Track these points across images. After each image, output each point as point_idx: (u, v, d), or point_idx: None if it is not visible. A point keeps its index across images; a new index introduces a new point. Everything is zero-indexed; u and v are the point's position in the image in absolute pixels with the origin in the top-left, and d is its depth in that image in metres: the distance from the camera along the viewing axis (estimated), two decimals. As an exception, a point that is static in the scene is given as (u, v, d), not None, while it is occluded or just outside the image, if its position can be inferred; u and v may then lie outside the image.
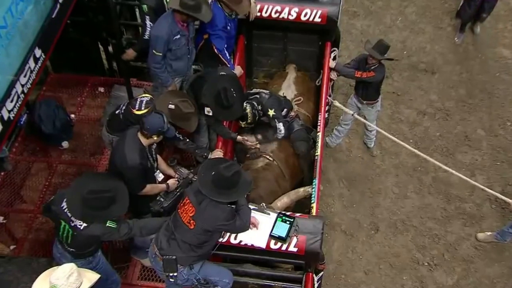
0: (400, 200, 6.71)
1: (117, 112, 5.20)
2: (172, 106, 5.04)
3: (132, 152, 4.51)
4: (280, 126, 5.51)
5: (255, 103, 5.42)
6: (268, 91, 5.66)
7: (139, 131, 4.57)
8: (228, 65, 5.64)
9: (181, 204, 4.14)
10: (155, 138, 4.58)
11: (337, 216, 6.59)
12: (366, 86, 6.25)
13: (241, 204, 4.18)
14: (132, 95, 6.34)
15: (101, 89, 6.97)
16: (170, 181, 4.93)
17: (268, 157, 5.60)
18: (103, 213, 4.01)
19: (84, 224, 4.05)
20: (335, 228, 6.49)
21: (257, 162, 5.59)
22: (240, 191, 4.06)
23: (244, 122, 5.43)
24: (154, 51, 5.36)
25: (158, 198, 4.89)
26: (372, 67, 6.03)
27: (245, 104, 5.36)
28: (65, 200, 4.10)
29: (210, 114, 5.26)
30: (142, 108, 4.91)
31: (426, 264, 6.26)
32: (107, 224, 4.06)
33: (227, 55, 5.67)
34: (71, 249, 4.26)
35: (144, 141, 4.58)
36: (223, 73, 5.37)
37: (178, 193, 4.88)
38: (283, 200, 5.16)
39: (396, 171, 6.95)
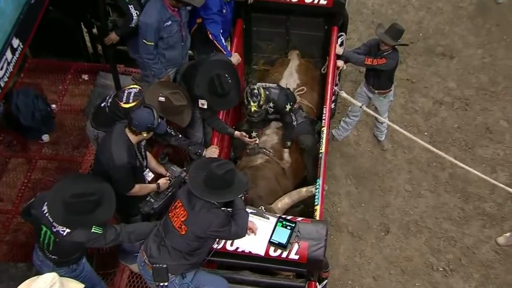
0: (413, 199, 6.80)
1: (102, 104, 5.26)
2: (162, 99, 5.10)
3: (119, 150, 4.58)
4: (295, 118, 5.67)
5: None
6: (275, 85, 5.74)
7: (127, 127, 4.64)
8: (224, 53, 5.70)
9: (172, 208, 4.23)
10: (145, 134, 4.65)
11: (344, 216, 6.68)
12: (378, 74, 6.31)
13: (237, 207, 4.26)
14: (119, 84, 6.41)
15: (85, 77, 7.04)
16: (161, 181, 5.01)
17: (268, 153, 5.69)
18: (88, 217, 4.08)
19: (67, 230, 4.14)
20: (341, 229, 6.59)
21: (256, 159, 5.68)
22: (235, 191, 4.16)
23: (255, 104, 5.45)
24: (144, 41, 5.42)
25: (148, 199, 4.97)
26: (385, 53, 6.09)
27: (256, 87, 5.45)
28: (45, 203, 4.18)
29: (205, 107, 5.33)
30: (130, 101, 4.98)
31: (441, 269, 6.34)
32: (92, 230, 4.14)
33: (223, 41, 5.73)
34: (53, 257, 4.35)
35: (133, 138, 4.66)
36: (215, 58, 5.44)
37: (170, 193, 4.98)
38: (284, 201, 5.25)
39: (409, 167, 7.03)
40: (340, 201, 6.79)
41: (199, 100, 5.31)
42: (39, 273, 4.19)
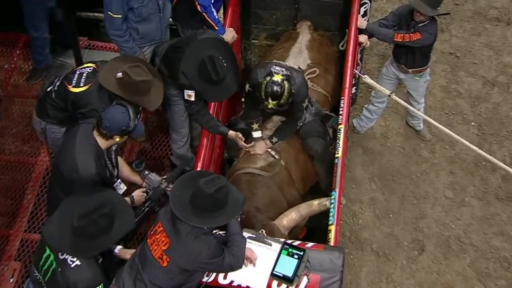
0: (456, 209, 6.93)
1: (49, 89, 5.42)
2: (119, 75, 5.14)
3: (86, 158, 4.72)
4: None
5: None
6: (299, 68, 5.75)
7: (95, 129, 4.77)
8: (216, 28, 5.84)
9: (151, 233, 4.38)
10: (117, 139, 4.79)
11: (367, 231, 6.82)
12: (411, 50, 6.42)
13: (232, 231, 4.42)
14: (81, 62, 6.52)
15: (38, 52, 7.16)
16: (136, 193, 5.16)
17: (272, 153, 5.81)
18: (107, 237, 4.30)
19: (77, 262, 4.30)
20: (364, 247, 6.73)
21: (256, 161, 5.81)
22: (229, 213, 4.28)
23: (274, 102, 5.39)
24: (110, 13, 5.56)
25: None
26: (420, 26, 6.20)
27: (279, 77, 5.37)
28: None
29: (192, 99, 5.47)
30: (81, 84, 5.14)
31: (491, 298, 6.51)
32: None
33: (215, 14, 5.87)
34: None
35: (102, 143, 4.79)
36: (204, 37, 5.55)
37: (147, 209, 5.13)
38: (291, 216, 5.34)
39: (450, 167, 7.16)
40: (362, 210, 6.93)
41: (185, 90, 5.45)
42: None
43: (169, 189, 5.13)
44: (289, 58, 6.31)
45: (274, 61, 5.72)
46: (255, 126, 5.80)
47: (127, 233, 5.05)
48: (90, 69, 5.23)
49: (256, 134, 5.80)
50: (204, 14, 5.84)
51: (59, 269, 4.34)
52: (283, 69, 5.43)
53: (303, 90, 5.58)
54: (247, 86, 5.61)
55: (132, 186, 5.32)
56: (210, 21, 5.85)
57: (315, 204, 5.40)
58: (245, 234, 4.57)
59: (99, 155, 4.81)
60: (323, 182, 5.99)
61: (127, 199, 5.11)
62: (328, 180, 5.71)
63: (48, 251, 4.42)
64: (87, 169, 4.72)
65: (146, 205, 5.13)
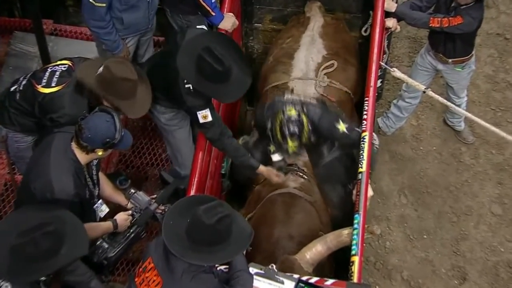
0: (505, 228, 7.03)
1: (12, 89, 5.48)
2: (100, 69, 5.19)
3: (62, 176, 4.79)
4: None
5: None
6: (314, 101, 5.78)
7: (74, 141, 4.84)
8: (212, 13, 5.98)
9: (140, 270, 4.45)
10: (100, 153, 4.86)
11: (396, 255, 6.92)
12: (451, 37, 6.52)
13: (236, 268, 4.51)
14: (47, 51, 6.68)
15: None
16: (119, 216, 5.26)
17: (301, 174, 5.91)
18: (50, 262, 4.31)
19: None
20: (392, 275, 6.83)
21: (286, 183, 5.87)
22: (233, 248, 4.33)
23: (294, 143, 5.47)
24: (91, 0, 5.70)
25: (99, 243, 5.20)
26: (462, 8, 6.29)
27: (294, 111, 5.43)
28: None
29: (209, 119, 5.45)
30: (52, 84, 5.22)
31: None
32: None
33: None
34: None
35: (82, 157, 4.87)
36: (190, 36, 5.55)
37: (133, 235, 5.26)
38: (316, 249, 5.27)
39: (498, 176, 7.28)
40: (390, 230, 7.05)
41: (198, 113, 5.44)
42: None
43: (159, 211, 5.27)
44: (300, 49, 6.42)
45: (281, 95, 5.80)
46: (273, 147, 5.83)
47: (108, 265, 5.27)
48: (64, 67, 5.31)
49: (276, 157, 5.83)
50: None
51: None
52: (294, 98, 5.57)
53: (327, 115, 5.67)
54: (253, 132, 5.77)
55: (121, 207, 5.40)
56: (205, 5, 5.97)
57: (345, 234, 5.28)
58: (252, 270, 4.66)
59: (78, 171, 4.87)
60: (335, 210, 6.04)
61: (109, 223, 5.21)
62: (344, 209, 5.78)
63: None
64: (64, 189, 4.77)
65: (131, 230, 5.24)
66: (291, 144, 5.48)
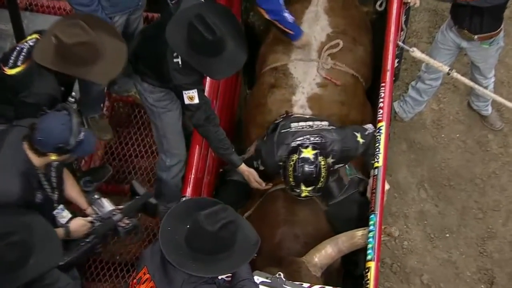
0: (537, 225, 7.09)
1: None
2: (52, 40, 5.17)
3: (9, 177, 4.83)
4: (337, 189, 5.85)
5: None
6: (327, 123, 5.76)
7: (26, 141, 4.88)
8: (291, 32, 6.11)
9: (134, 281, 4.54)
10: (53, 157, 4.90)
11: (415, 256, 6.99)
12: (478, 11, 6.54)
13: (239, 276, 4.58)
14: (22, 29, 6.71)
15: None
16: (75, 222, 5.23)
17: None
18: (17, 274, 4.35)
19: None
20: (410, 279, 6.90)
21: None
22: (237, 257, 4.39)
23: (310, 188, 5.49)
24: None
25: None
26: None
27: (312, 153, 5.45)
28: None
29: (196, 101, 5.50)
30: (18, 63, 5.23)
31: None
32: None
33: (288, 18, 6.08)
34: None
35: (35, 160, 4.91)
36: (186, 6, 5.61)
37: (89, 246, 5.26)
38: (326, 252, 5.35)
39: (529, 168, 7.32)
40: (409, 228, 7.11)
41: (184, 93, 5.50)
42: None
43: (123, 224, 5.29)
44: (302, 27, 6.40)
45: (292, 123, 5.78)
46: None
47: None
48: (32, 42, 5.30)
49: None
50: (275, 22, 6.09)
51: None
52: (311, 137, 5.56)
53: (346, 147, 5.70)
54: (256, 163, 5.81)
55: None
56: (286, 29, 6.13)
57: (359, 236, 5.38)
58: (257, 279, 4.74)
59: (31, 174, 4.93)
60: None
61: (59, 229, 5.15)
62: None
63: None
64: (6, 192, 4.80)
65: (88, 239, 5.25)
66: (304, 188, 5.50)
